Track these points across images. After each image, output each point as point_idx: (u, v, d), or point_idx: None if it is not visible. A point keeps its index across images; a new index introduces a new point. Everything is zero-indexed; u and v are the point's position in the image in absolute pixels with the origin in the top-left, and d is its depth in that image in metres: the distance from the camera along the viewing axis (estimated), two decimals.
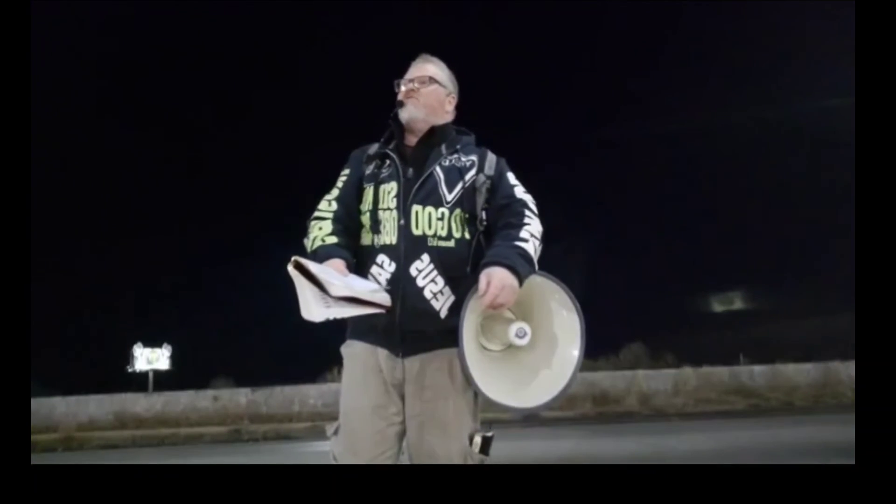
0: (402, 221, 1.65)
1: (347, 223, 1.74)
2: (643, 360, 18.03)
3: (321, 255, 1.63)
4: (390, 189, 1.70)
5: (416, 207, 1.66)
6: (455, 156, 1.77)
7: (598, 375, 15.82)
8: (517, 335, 1.52)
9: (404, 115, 1.79)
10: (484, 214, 1.72)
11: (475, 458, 1.62)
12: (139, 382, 17.80)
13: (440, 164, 1.73)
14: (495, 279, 1.49)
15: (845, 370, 14.51)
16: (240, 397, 15.50)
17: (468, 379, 1.53)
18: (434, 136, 1.79)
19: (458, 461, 1.60)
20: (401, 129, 1.82)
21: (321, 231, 1.71)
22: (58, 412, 14.60)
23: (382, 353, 1.65)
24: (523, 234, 1.63)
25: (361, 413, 1.64)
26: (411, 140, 1.81)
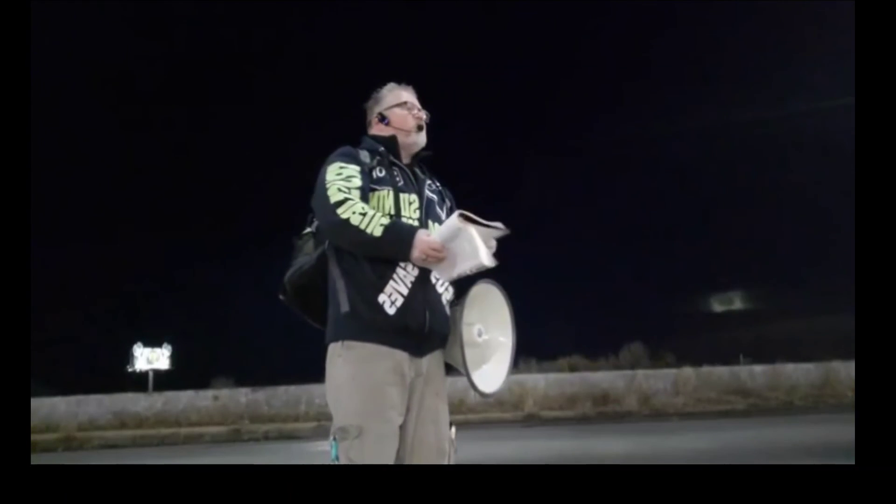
0: None
1: None
2: (643, 360, 18.02)
3: (404, 228, 1.65)
4: (412, 200, 1.79)
5: (430, 222, 1.80)
6: (429, 181, 1.92)
7: (598, 375, 15.85)
8: (478, 335, 1.79)
9: (420, 139, 1.90)
10: None
11: (454, 442, 1.79)
12: (139, 382, 17.80)
13: (428, 188, 1.88)
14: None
15: (845, 370, 14.50)
16: (240, 397, 15.48)
17: (466, 372, 1.70)
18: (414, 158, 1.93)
19: (446, 448, 1.75)
20: (395, 144, 1.88)
21: (375, 211, 1.66)
22: (58, 412, 14.60)
23: (403, 355, 1.69)
24: None
25: (387, 415, 1.63)
26: (402, 155, 1.89)
